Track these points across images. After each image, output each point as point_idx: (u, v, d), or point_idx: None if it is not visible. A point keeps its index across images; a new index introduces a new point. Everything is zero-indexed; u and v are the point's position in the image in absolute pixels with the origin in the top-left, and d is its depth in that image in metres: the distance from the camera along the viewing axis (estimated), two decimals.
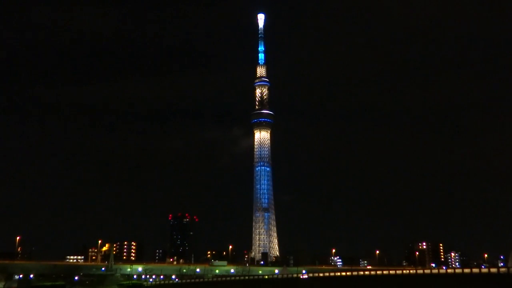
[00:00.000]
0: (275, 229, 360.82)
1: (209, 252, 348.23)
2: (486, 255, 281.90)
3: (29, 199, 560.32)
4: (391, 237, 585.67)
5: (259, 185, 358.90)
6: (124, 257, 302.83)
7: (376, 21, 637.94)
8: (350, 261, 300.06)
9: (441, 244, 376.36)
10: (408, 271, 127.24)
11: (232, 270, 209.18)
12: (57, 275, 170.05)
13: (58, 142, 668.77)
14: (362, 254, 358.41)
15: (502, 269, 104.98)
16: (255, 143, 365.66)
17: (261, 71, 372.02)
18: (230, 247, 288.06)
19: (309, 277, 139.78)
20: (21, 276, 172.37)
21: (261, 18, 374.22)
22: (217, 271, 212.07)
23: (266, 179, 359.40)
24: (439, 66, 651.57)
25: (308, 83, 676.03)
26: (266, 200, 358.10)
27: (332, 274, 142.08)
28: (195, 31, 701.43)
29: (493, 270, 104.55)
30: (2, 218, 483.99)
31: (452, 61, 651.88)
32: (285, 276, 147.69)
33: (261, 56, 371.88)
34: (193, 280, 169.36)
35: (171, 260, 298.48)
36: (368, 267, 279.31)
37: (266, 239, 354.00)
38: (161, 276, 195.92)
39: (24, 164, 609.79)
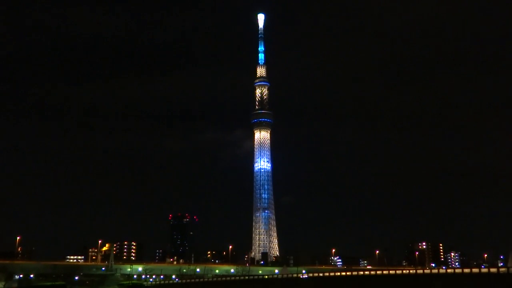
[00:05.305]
0: (275, 229, 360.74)
1: (209, 252, 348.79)
2: (486, 255, 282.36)
3: (29, 199, 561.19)
4: (391, 237, 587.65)
5: (259, 185, 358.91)
6: (124, 257, 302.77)
7: (376, 21, 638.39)
8: (350, 261, 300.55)
9: (441, 244, 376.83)
10: (408, 271, 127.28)
11: (232, 270, 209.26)
12: (57, 275, 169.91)
13: (58, 142, 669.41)
14: (362, 254, 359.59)
15: (502, 269, 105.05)
16: (255, 143, 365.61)
17: (261, 71, 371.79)
18: (230, 247, 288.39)
19: (309, 277, 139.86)
20: (21, 276, 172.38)
21: (261, 18, 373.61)
22: (217, 271, 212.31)
23: (266, 179, 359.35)
24: (439, 65, 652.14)
25: (308, 83, 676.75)
26: (266, 200, 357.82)
27: (332, 274, 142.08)
28: (195, 31, 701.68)
29: (493, 270, 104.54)
30: (2, 218, 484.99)
31: (452, 60, 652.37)
32: (285, 276, 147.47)
33: (261, 56, 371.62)
34: (193, 280, 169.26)
35: (171, 260, 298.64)
36: (368, 267, 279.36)
37: (266, 239, 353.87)
38: (161, 276, 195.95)
39: (24, 164, 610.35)
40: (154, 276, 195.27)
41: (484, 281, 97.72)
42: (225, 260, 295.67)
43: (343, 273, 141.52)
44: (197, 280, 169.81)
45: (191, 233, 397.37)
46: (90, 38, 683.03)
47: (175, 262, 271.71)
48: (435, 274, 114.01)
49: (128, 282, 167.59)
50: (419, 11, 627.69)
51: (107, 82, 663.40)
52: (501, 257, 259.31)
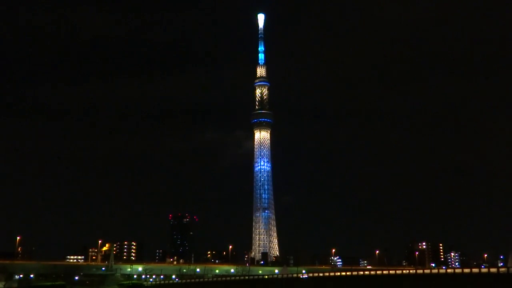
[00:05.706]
0: (275, 229, 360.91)
1: (209, 252, 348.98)
2: (486, 255, 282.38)
3: (29, 199, 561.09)
4: (391, 237, 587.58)
5: (259, 185, 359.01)
6: (124, 257, 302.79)
7: (376, 20, 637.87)
8: (350, 261, 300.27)
9: (441, 244, 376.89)
10: (408, 271, 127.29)
11: (232, 270, 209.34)
12: (57, 275, 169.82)
13: (58, 142, 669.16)
14: (362, 254, 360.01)
15: (502, 269, 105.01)
16: (255, 143, 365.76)
17: (261, 71, 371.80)
18: (230, 247, 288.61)
19: (309, 277, 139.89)
20: (21, 276, 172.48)
21: (261, 18, 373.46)
22: (217, 271, 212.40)
23: (266, 179, 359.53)
24: (439, 65, 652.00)
25: (308, 83, 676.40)
26: (266, 200, 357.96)
27: (332, 274, 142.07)
28: (195, 31, 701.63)
29: (493, 270, 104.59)
30: (2, 218, 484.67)
31: (452, 60, 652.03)
32: (285, 276, 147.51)
33: (261, 56, 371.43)
34: (193, 280, 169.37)
35: (171, 260, 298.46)
36: (368, 267, 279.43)
37: (266, 239, 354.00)
38: (161, 276, 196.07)
39: (23, 165, 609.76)
40: (154, 276, 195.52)
41: (484, 281, 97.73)
42: (225, 260, 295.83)
43: (343, 273, 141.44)
44: (197, 280, 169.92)
45: (191, 233, 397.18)
46: (90, 38, 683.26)
47: (175, 262, 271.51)
48: (435, 274, 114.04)
49: (128, 282, 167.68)
50: (419, 11, 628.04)
51: (107, 82, 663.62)
52: (501, 257, 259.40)
